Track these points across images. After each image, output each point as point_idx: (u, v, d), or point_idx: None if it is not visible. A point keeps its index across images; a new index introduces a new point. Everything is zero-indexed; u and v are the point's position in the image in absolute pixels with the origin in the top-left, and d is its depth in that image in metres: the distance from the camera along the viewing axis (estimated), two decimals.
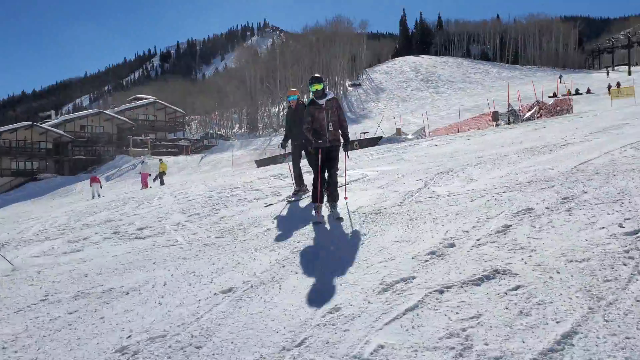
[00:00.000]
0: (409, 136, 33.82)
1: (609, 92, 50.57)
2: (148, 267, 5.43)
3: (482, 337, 2.76)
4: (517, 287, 3.31)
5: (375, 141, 29.01)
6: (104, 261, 6.10)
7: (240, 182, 12.60)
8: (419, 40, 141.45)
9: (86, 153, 57.06)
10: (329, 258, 4.75)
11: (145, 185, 26.03)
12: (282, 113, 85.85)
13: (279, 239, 5.77)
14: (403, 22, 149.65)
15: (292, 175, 8.61)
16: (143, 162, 28.56)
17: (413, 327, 3.00)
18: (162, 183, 27.09)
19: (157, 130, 65.38)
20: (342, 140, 6.70)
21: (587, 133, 11.34)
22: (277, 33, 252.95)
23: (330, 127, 6.47)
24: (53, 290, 5.12)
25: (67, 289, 5.10)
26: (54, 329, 4.01)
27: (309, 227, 6.06)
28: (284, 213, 7.30)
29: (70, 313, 4.32)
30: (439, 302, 3.29)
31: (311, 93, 6.48)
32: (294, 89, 8.98)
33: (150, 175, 27.01)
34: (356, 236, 5.27)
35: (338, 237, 5.45)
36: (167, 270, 5.18)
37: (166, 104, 70.82)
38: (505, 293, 3.26)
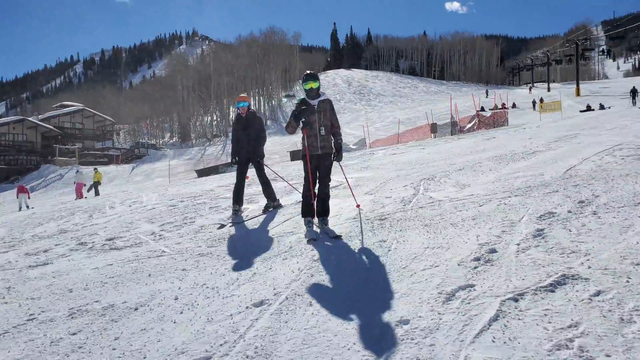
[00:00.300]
0: (352, 146, 33.96)
1: (534, 107, 53.25)
2: (145, 280, 4.88)
3: (599, 349, 2.53)
4: (599, 293, 3.12)
5: None
6: (83, 274, 5.46)
7: (200, 190, 12.02)
8: (349, 54, 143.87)
9: (7, 162, 53.36)
10: (358, 265, 4.42)
11: (80, 195, 24.60)
12: (215, 122, 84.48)
13: (287, 247, 5.37)
14: (334, 36, 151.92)
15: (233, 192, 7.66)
16: (78, 171, 27.01)
17: (510, 340, 2.73)
18: (97, 193, 25.76)
19: (84, 139, 62.30)
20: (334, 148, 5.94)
21: (544, 143, 11.62)
22: (207, 42, 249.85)
23: (322, 132, 5.82)
24: (37, 309, 4.48)
25: (55, 306, 4.47)
26: (62, 352, 3.44)
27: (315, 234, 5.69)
28: (274, 223, 6.88)
29: (74, 334, 3.75)
30: (521, 311, 3.04)
31: (304, 91, 5.87)
32: (243, 95, 8.17)
33: (85, 185, 25.55)
34: (376, 242, 4.96)
35: (354, 242, 5.12)
36: (171, 283, 4.67)
37: (94, 111, 67.72)
38: (590, 299, 3.05)
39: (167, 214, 8.84)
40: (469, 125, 26.42)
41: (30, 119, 58.36)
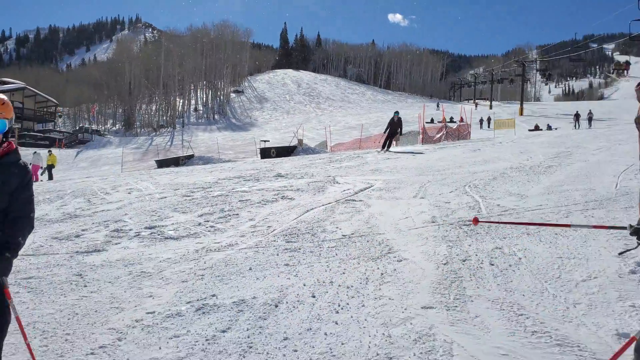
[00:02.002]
0: (313, 147, 33.87)
1: (481, 124, 54.84)
2: (250, 274, 4.53)
3: None
4: None
5: (290, 150, 28.59)
6: (162, 265, 5.04)
7: (204, 181, 11.52)
8: (298, 55, 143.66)
9: None
10: (510, 267, 4.25)
11: (35, 178, 23.18)
12: (159, 112, 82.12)
13: (384, 245, 5.15)
14: (284, 35, 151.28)
15: None
16: (35, 152, 25.41)
17: None
18: (50, 177, 24.43)
19: (24, 120, 58.71)
20: None
21: (544, 158, 11.81)
22: (150, 30, 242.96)
23: None
24: (141, 300, 4.06)
25: (165, 299, 4.07)
26: (233, 351, 3.09)
27: (404, 230, 5.50)
28: (336, 216, 6.61)
29: (224, 331, 3.39)
30: None
31: None
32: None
33: (41, 167, 24.14)
34: (493, 249, 4.82)
35: (463, 247, 4.95)
36: (287, 279, 4.35)
37: (37, 91, 63.90)
38: None
39: (192, 205, 8.37)
40: (438, 136, 26.85)
41: None
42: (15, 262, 5.51)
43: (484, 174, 9.46)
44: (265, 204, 7.89)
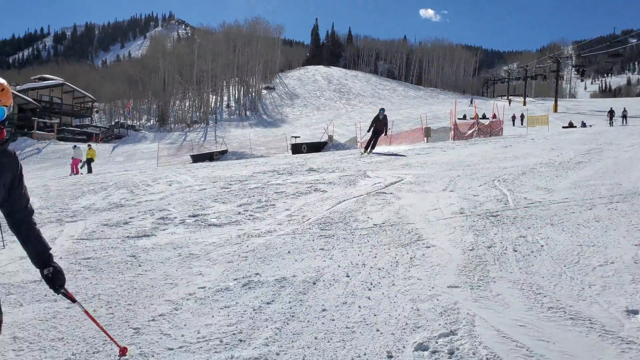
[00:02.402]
0: (343, 142, 34.22)
1: (513, 122, 54.19)
2: (289, 257, 4.94)
3: None
4: None
5: (321, 146, 29.03)
6: (208, 248, 5.48)
7: (240, 174, 11.99)
8: (329, 51, 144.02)
9: None
10: (532, 253, 4.54)
11: (76, 171, 24.20)
12: (193, 108, 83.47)
13: (414, 234, 5.49)
14: (315, 32, 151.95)
15: None
16: (75, 146, 26.56)
17: None
18: (89, 170, 25.34)
19: (62, 115, 60.64)
20: None
21: (575, 154, 11.89)
22: (183, 27, 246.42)
23: None
24: (192, 277, 4.49)
25: (215, 276, 4.50)
26: (277, 319, 3.48)
27: (433, 220, 5.83)
28: (367, 207, 6.96)
29: (269, 303, 3.79)
30: None
31: None
32: None
33: (81, 161, 25.14)
34: (517, 238, 5.11)
35: (489, 235, 5.25)
36: (323, 261, 4.73)
37: (75, 87, 65.94)
38: None
39: (231, 196, 8.82)
40: (470, 132, 26.91)
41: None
42: (73, 245, 6.06)
43: (514, 169, 9.67)
44: (299, 196, 8.29)
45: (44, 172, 30.24)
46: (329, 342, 3.14)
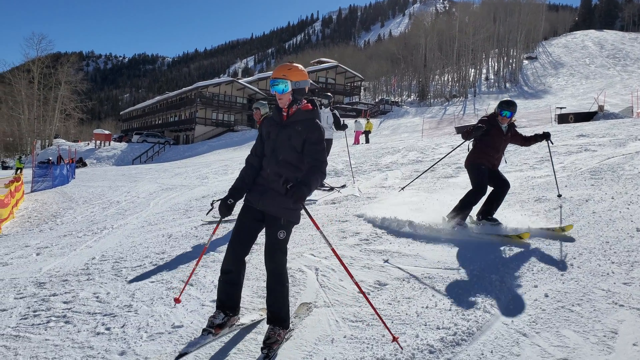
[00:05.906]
0: (617, 112, 32.54)
1: None
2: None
3: None
4: None
5: (590, 116, 28.43)
6: None
7: None
8: (602, 13, 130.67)
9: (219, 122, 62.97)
10: None
11: (357, 141, 28.45)
12: (452, 82, 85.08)
13: None
14: None
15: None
16: (356, 121, 31.30)
17: None
18: (367, 141, 29.27)
19: (335, 94, 68.55)
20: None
21: None
22: (441, 1, 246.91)
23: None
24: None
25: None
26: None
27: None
28: (635, 162, 8.19)
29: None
30: None
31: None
32: (287, 65, 3.61)
33: (362, 133, 29.40)
34: None
35: None
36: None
37: (346, 68, 73.96)
38: None
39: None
40: None
41: (239, 80, 65.50)
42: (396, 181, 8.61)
43: None
44: (571, 154, 9.83)
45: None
46: None
